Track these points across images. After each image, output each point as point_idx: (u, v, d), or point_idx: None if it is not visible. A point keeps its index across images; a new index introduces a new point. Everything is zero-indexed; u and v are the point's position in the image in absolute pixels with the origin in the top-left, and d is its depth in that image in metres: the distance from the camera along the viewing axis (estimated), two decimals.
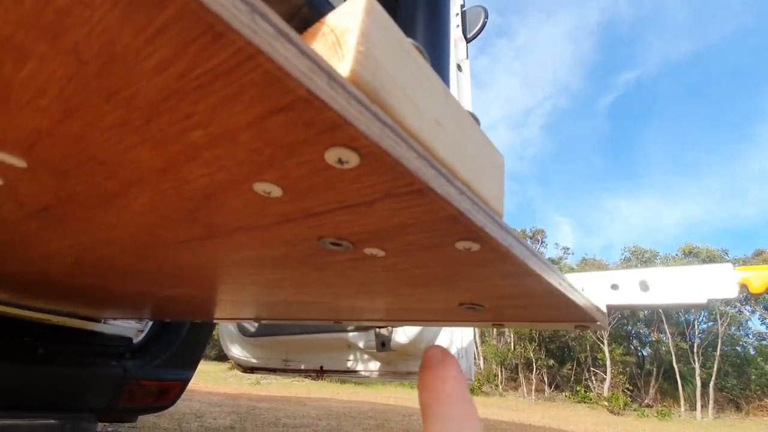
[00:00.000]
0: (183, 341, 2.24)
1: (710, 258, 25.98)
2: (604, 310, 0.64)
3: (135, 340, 2.16)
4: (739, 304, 26.26)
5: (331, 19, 0.25)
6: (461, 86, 2.11)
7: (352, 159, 0.24)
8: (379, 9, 0.25)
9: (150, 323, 2.17)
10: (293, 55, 0.18)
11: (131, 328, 2.20)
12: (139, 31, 0.17)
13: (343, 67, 0.22)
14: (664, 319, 28.04)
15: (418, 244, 0.36)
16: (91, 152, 0.28)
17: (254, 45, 0.17)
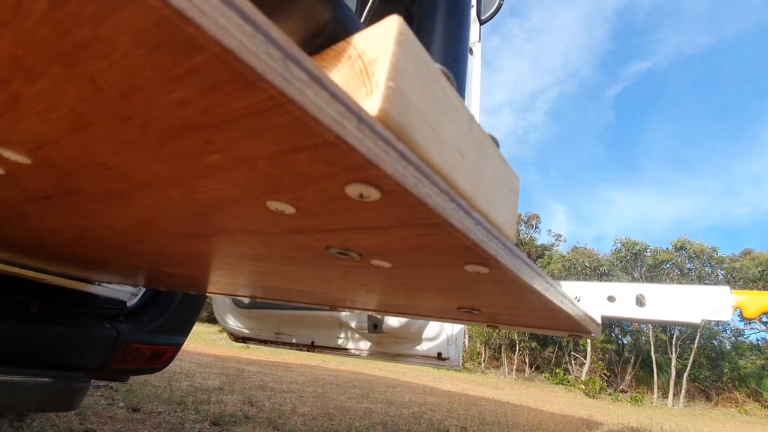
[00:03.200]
0: (177, 307, 2.26)
1: (699, 254, 26.35)
2: (599, 321, 0.65)
3: (129, 304, 2.18)
4: None
5: (358, 41, 0.24)
6: (471, 70, 2.06)
7: (373, 194, 0.23)
8: (410, 35, 0.24)
9: (143, 288, 2.18)
10: (324, 101, 0.17)
11: (125, 291, 2.21)
12: (163, 71, 0.16)
13: (372, 103, 0.21)
14: None
15: (428, 262, 0.36)
16: (99, 159, 0.27)
17: (286, 94, 0.16)
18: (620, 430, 7.49)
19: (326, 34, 0.25)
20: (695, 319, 0.59)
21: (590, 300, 0.67)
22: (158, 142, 0.22)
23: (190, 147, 0.22)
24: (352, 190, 0.23)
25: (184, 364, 6.71)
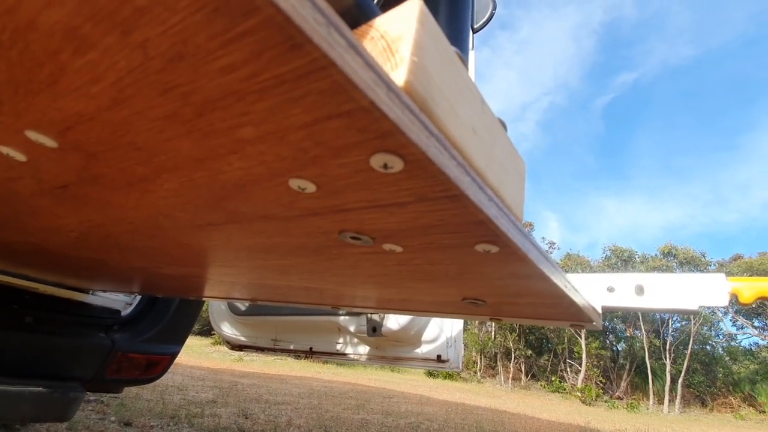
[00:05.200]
0: (172, 316, 2.24)
1: (688, 260, 26.66)
2: (600, 312, 0.67)
3: (123, 313, 2.15)
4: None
5: (380, 23, 0.26)
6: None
7: (396, 164, 0.24)
8: (429, 17, 0.25)
9: (138, 297, 2.16)
10: (360, 66, 0.19)
11: (120, 300, 2.19)
12: (216, 35, 0.17)
13: (398, 76, 0.23)
14: (640, 316, 28.90)
15: (439, 243, 0.37)
16: (129, 139, 0.28)
17: (329, 57, 0.17)
18: None
19: (348, 17, 0.27)
20: (693, 306, 0.61)
21: (590, 291, 0.68)
22: (195, 114, 0.23)
23: (225, 119, 0.23)
24: (377, 161, 0.25)
25: (176, 377, 6.60)
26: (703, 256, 27.30)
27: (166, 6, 0.16)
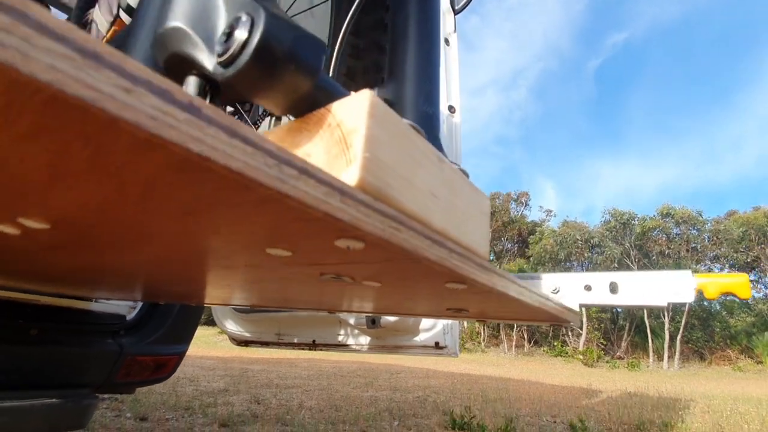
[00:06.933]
0: (176, 317, 2.29)
1: (685, 219, 26.94)
2: (577, 309, 0.71)
3: (128, 317, 2.20)
4: (709, 263, 27.64)
5: (337, 110, 0.28)
6: (449, 61, 2.09)
7: (358, 245, 0.27)
8: (380, 105, 0.27)
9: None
10: (312, 187, 0.21)
11: (123, 305, 2.23)
12: (183, 186, 0.20)
13: (352, 173, 0.25)
14: None
15: (413, 283, 0.40)
16: (123, 222, 0.31)
17: (281, 192, 0.20)
18: (618, 396, 7.74)
19: (308, 100, 0.29)
20: (661, 302, 0.65)
21: (569, 290, 0.72)
22: (180, 215, 0.26)
23: (200, 223, 0.26)
24: (341, 243, 0.27)
25: (187, 369, 6.75)
26: (700, 214, 27.54)
27: (146, 168, 0.18)
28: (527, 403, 5.91)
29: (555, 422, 4.55)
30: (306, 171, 0.21)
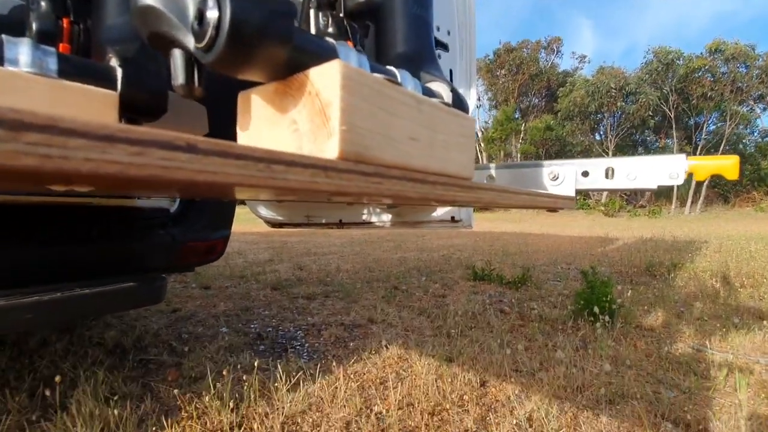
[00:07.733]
0: (215, 204, 2.51)
1: (735, 55, 24.15)
2: (573, 195, 0.76)
3: (171, 210, 2.43)
4: (752, 102, 25.65)
5: (315, 79, 0.30)
6: None
7: (350, 200, 0.32)
8: (351, 72, 0.30)
9: None
10: (299, 174, 0.26)
11: (164, 200, 2.44)
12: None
13: (332, 145, 0.29)
14: (674, 125, 28.01)
15: (414, 207, 0.46)
16: None
17: (276, 186, 0.25)
18: (634, 242, 8.19)
19: (289, 64, 0.31)
20: (652, 185, 0.68)
21: (568, 176, 0.76)
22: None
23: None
24: (335, 200, 0.33)
25: (234, 244, 7.52)
26: (753, 49, 24.54)
27: None
28: (544, 254, 6.39)
29: (569, 269, 4.99)
30: (292, 162, 0.26)
